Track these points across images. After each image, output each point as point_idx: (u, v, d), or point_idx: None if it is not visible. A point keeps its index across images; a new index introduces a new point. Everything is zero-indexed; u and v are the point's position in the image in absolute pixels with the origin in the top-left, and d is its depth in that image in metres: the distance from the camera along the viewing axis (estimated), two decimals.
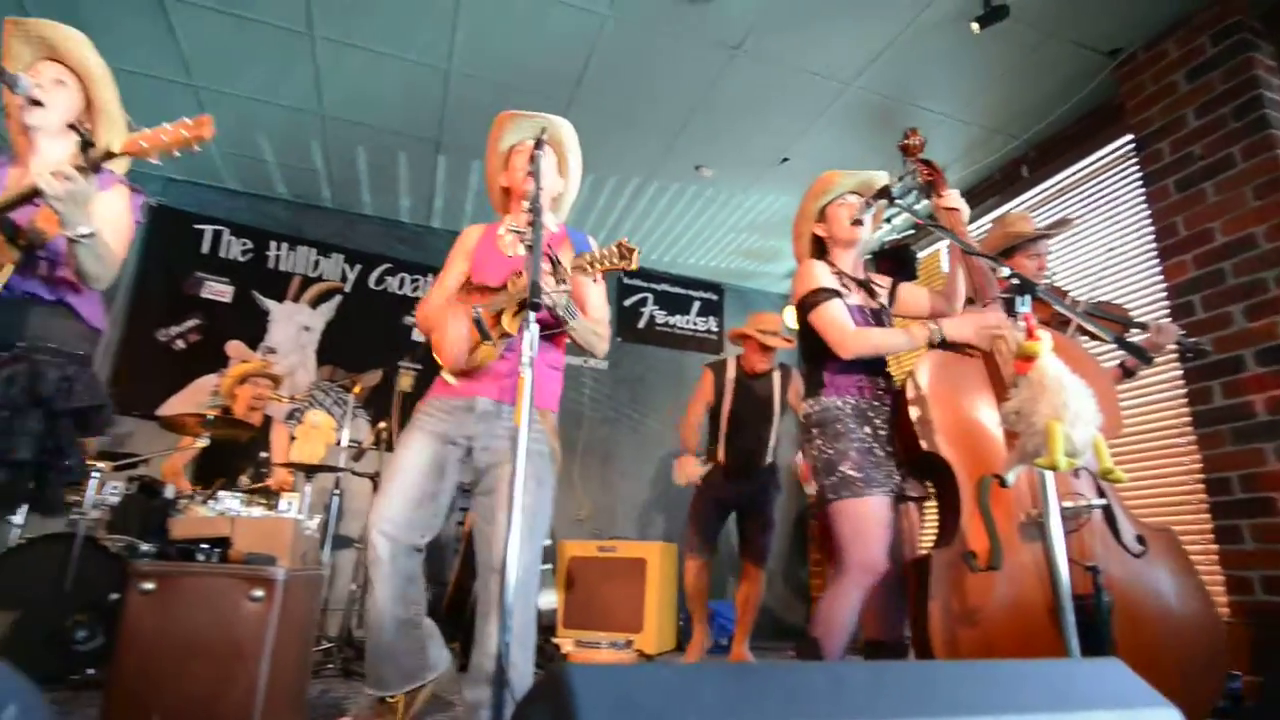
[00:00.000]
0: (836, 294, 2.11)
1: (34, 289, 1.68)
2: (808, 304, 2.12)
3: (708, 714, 0.54)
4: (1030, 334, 1.57)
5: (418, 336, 5.14)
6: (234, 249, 4.87)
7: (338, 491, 3.63)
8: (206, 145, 4.01)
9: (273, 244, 4.96)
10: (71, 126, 1.59)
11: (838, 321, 2.06)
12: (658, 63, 3.54)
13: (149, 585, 1.28)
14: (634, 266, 1.71)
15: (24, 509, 2.64)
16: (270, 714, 1.30)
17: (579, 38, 3.40)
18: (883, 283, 2.30)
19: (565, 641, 3.92)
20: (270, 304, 4.86)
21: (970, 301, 2.16)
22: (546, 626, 4.03)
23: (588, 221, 5.16)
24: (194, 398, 4.46)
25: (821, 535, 5.31)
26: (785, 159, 4.29)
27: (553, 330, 1.95)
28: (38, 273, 1.68)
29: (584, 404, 5.41)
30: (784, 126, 4.03)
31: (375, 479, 3.65)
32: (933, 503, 2.10)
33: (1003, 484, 1.61)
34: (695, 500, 3.80)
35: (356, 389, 3.98)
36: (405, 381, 5.00)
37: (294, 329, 4.86)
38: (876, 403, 2.11)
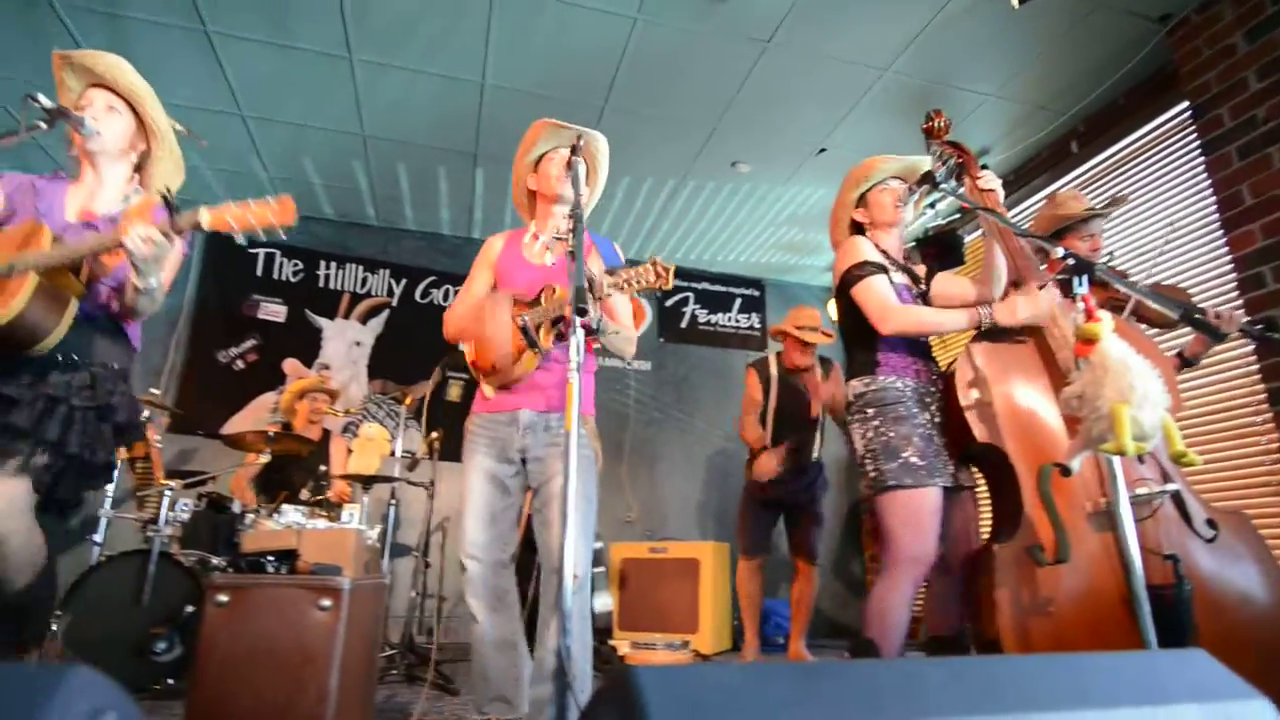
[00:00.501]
0: (882, 269, 2.04)
1: (88, 310, 1.77)
2: (851, 278, 2.05)
3: (778, 713, 0.53)
4: (1090, 315, 1.51)
5: (462, 347, 5.23)
6: (286, 270, 5.03)
7: (394, 501, 3.71)
8: (255, 169, 4.14)
9: (322, 263, 5.11)
10: (163, 197, 1.66)
11: (880, 295, 1.99)
12: (689, 61, 3.53)
13: (224, 598, 1.33)
14: (669, 286, 1.74)
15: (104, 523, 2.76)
16: (342, 718, 1.34)
17: (609, 42, 3.42)
18: (919, 273, 2.23)
19: (621, 643, 3.93)
20: (322, 321, 5.00)
21: (1015, 286, 2.08)
22: (602, 629, 4.05)
23: (625, 224, 5.18)
24: (255, 415, 4.63)
25: (875, 528, 5.22)
26: (823, 150, 4.24)
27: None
28: (95, 299, 1.78)
29: (629, 406, 5.43)
30: (820, 117, 3.98)
31: (430, 488, 3.73)
32: (982, 492, 2.05)
33: (1065, 472, 1.55)
34: (744, 502, 3.78)
35: (407, 400, 4.07)
36: (454, 391, 5.09)
37: (345, 345, 5.00)
38: (932, 388, 2.04)
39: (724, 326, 5.88)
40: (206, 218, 1.63)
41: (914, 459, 1.90)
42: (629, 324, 2.10)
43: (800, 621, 3.66)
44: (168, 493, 3.06)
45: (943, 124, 2.24)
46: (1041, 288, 1.95)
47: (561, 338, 1.91)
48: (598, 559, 4.03)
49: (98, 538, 3.28)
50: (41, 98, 1.72)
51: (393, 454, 3.75)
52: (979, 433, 1.84)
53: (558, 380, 1.92)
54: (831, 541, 5.38)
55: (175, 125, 1.99)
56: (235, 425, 4.48)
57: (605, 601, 4.15)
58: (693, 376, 5.68)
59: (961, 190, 2.25)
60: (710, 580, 4.15)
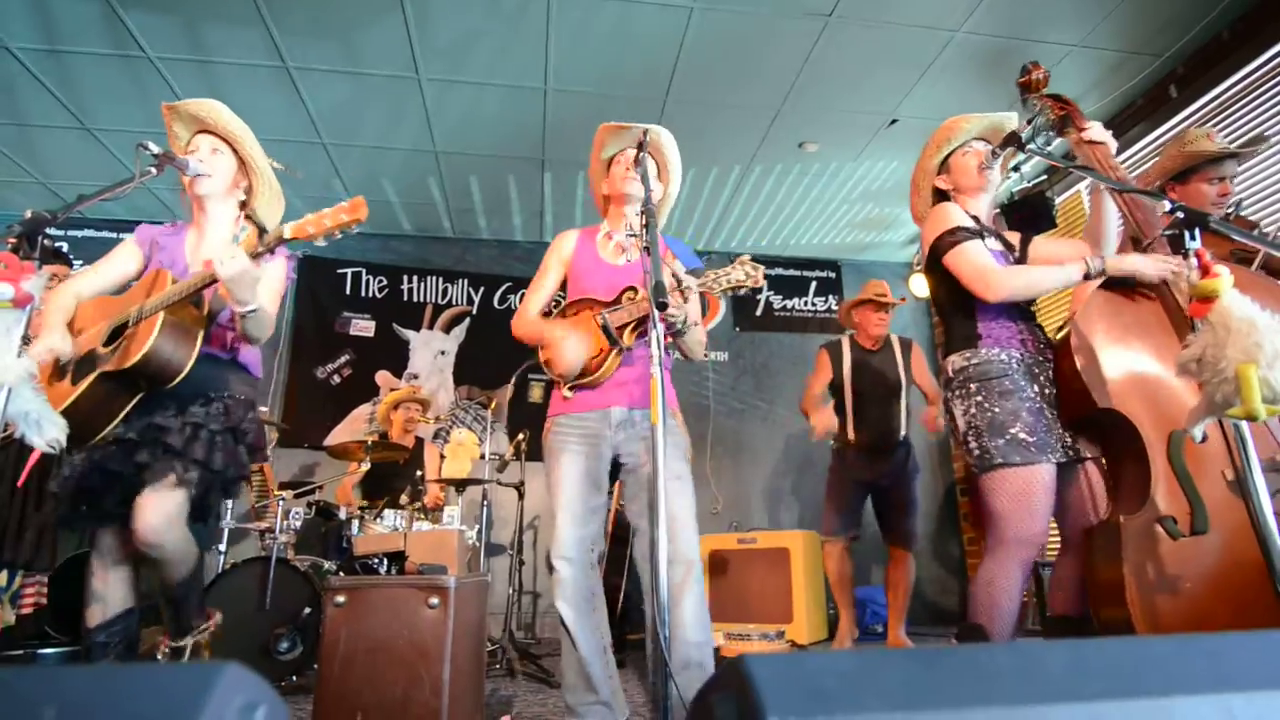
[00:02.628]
0: (977, 234, 1.92)
1: (214, 351, 1.95)
2: (943, 246, 1.92)
3: (895, 700, 0.52)
4: (1206, 271, 1.39)
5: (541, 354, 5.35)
6: (372, 287, 5.28)
7: (486, 502, 3.84)
8: (339, 193, 4.33)
9: (404, 277, 5.33)
10: (247, 217, 1.80)
11: (979, 260, 1.86)
12: (749, 45, 3.48)
13: (341, 599, 1.42)
14: (760, 284, 1.74)
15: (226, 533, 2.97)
16: (455, 711, 1.40)
17: (667, 35, 3.40)
18: (1012, 240, 2.08)
19: (716, 635, 3.93)
20: (409, 333, 5.22)
21: (1135, 242, 1.90)
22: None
23: (692, 217, 5.16)
24: (353, 427, 4.88)
25: (975, 510, 5.02)
26: (894, 121, 4.09)
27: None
28: (220, 339, 1.96)
29: (709, 397, 5.41)
30: (889, 88, 3.84)
31: (520, 489, 3.83)
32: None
33: (1192, 439, 1.44)
34: (830, 482, 3.70)
35: (492, 405, 4.19)
36: (536, 392, 5.22)
37: (431, 354, 5.20)
38: (1040, 358, 1.91)
39: (800, 311, 5.77)
40: (289, 231, 1.73)
41: (1023, 435, 1.79)
42: (700, 324, 2.09)
43: (898, 608, 3.55)
44: (281, 503, 3.27)
45: (1041, 76, 2.09)
46: (1148, 245, 1.82)
47: (644, 336, 1.92)
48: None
49: (221, 547, 3.54)
50: (151, 145, 1.86)
51: (482, 457, 3.87)
52: (1099, 397, 1.70)
53: (640, 375, 1.93)
54: (928, 524, 5.20)
55: (273, 163, 2.12)
56: (336, 437, 4.74)
57: None
58: (771, 364, 5.60)
59: (1050, 149, 2.12)
60: (802, 569, 4.09)
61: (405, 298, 5.30)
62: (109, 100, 3.79)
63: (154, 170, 1.88)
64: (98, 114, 3.91)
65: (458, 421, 5.02)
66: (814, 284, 5.84)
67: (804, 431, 5.38)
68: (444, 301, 5.35)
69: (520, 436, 3.91)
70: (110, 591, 1.84)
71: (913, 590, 3.56)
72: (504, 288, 5.45)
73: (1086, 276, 1.79)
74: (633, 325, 1.89)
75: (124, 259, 2.01)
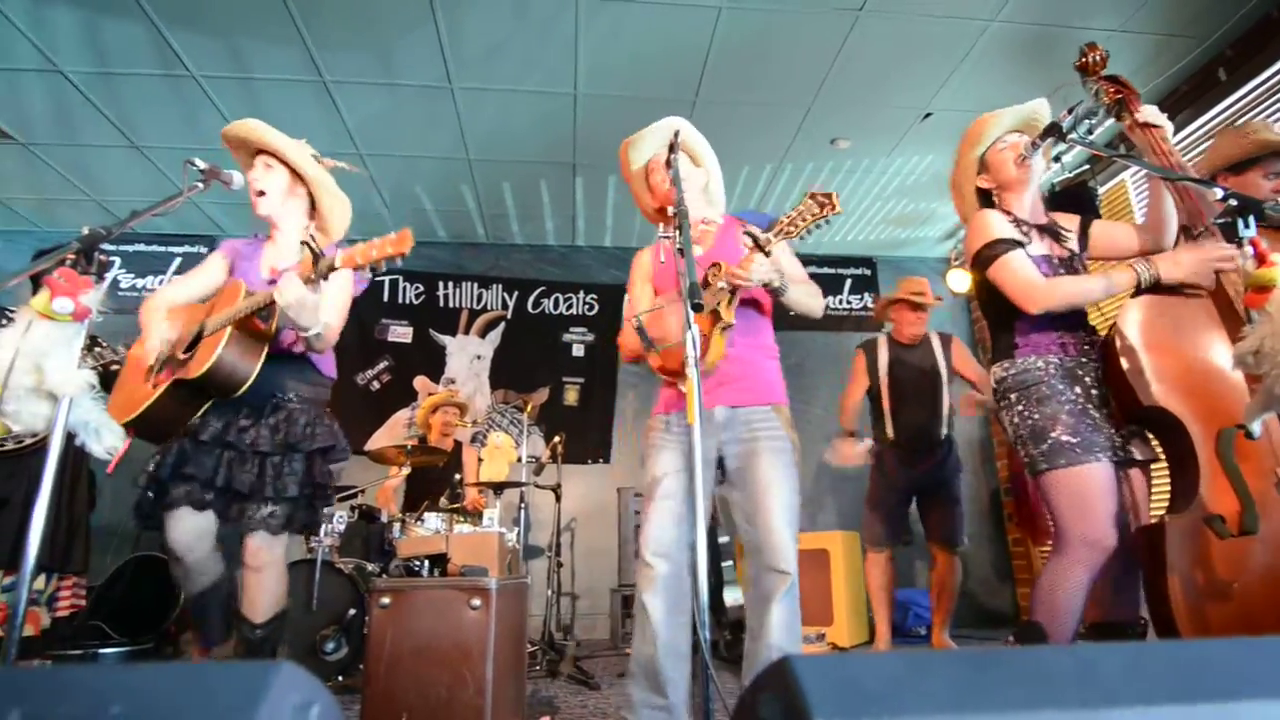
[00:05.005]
0: (1018, 244, 1.89)
1: (283, 345, 2.01)
2: (985, 258, 1.91)
3: (945, 703, 0.51)
4: (1263, 260, 1.34)
5: (577, 352, 5.38)
6: (409, 294, 5.37)
7: (523, 505, 3.87)
8: (374, 203, 4.43)
9: (440, 284, 5.41)
10: (304, 243, 1.87)
11: (1021, 274, 1.84)
12: (778, 42, 3.46)
13: (386, 600, 1.45)
14: (838, 210, 1.67)
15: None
16: (499, 711, 1.42)
17: (695, 35, 3.40)
18: (1069, 224, 2.03)
19: None
20: (445, 339, 5.30)
21: (1185, 230, 1.85)
22: (735, 622, 4.04)
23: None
24: (392, 432, 4.97)
25: (1019, 511, 4.89)
26: (928, 114, 4.02)
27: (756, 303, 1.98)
28: (283, 341, 2.02)
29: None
30: (922, 81, 3.78)
31: (557, 491, 3.85)
32: (1161, 465, 1.86)
33: (1248, 435, 1.39)
34: (872, 488, 3.62)
35: (528, 408, 4.23)
36: (571, 395, 5.25)
37: (467, 359, 5.27)
38: (1084, 359, 1.87)
39: (835, 309, 5.70)
40: (340, 259, 1.79)
41: (1065, 437, 1.76)
42: (805, 276, 2.03)
43: (943, 611, 3.49)
44: (325, 509, 3.34)
45: (1098, 58, 2.03)
46: (1199, 234, 1.75)
47: (747, 322, 1.90)
48: (727, 553, 4.01)
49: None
50: (197, 161, 1.93)
51: (519, 460, 3.91)
52: (1144, 396, 1.67)
53: (746, 372, 1.91)
54: (972, 525, 5.08)
55: (337, 164, 2.18)
56: (376, 442, 4.83)
57: (736, 595, 4.13)
58: (806, 363, 5.55)
59: (1093, 138, 2.06)
60: (842, 570, 4.04)
61: (441, 304, 5.38)
62: (156, 119, 3.92)
63: (201, 185, 1.94)
64: (146, 133, 4.05)
65: (494, 425, 5.08)
66: (849, 281, 5.77)
67: (841, 433, 5.33)
68: (479, 307, 5.42)
69: (557, 439, 3.94)
70: (197, 568, 1.91)
71: (958, 592, 3.48)
72: (537, 292, 5.50)
73: (1137, 286, 1.75)
74: (727, 300, 1.83)
75: (212, 270, 2.11)
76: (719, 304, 1.83)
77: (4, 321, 2.76)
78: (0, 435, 2.40)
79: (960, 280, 5.42)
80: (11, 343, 1.95)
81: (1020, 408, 1.87)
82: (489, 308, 5.42)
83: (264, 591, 1.89)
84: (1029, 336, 1.90)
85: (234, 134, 2.12)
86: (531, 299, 5.48)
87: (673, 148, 1.91)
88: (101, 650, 3.58)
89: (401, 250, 1.77)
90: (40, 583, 2.63)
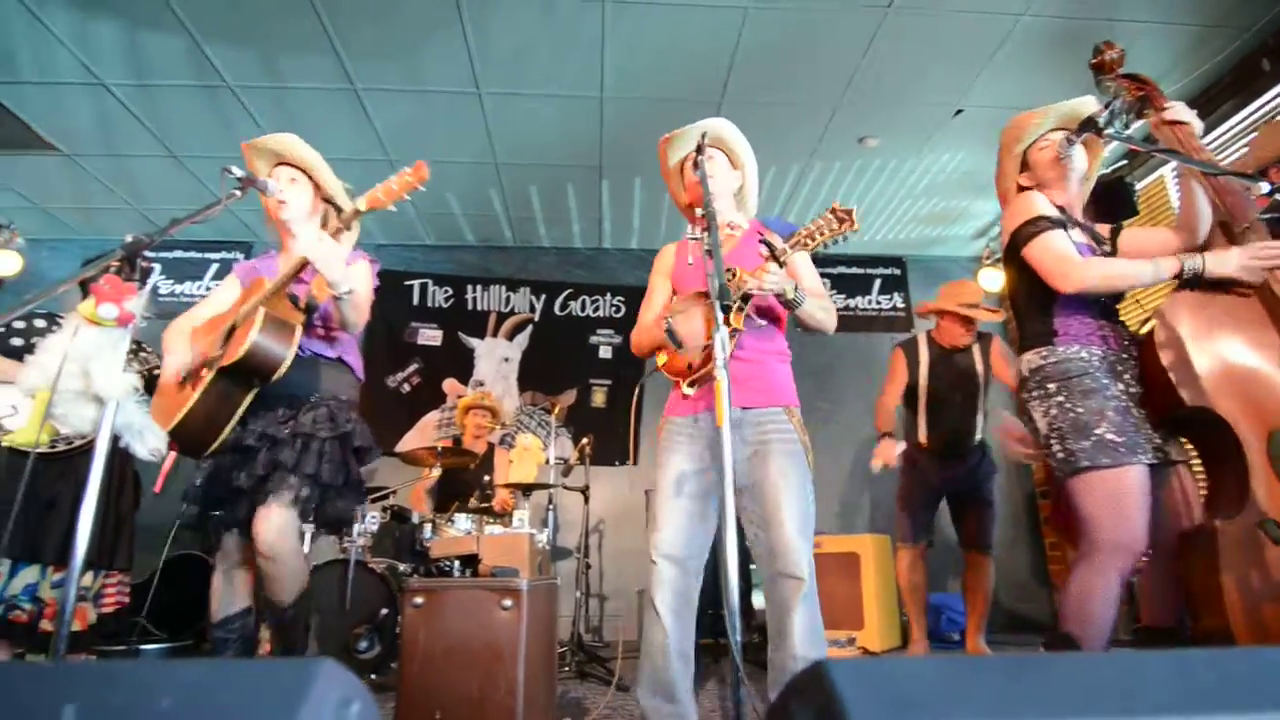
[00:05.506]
0: (1060, 224, 1.82)
1: (319, 349, 2.07)
2: (1023, 236, 1.84)
3: (986, 709, 0.51)
4: None
5: (605, 354, 5.39)
6: (438, 297, 5.43)
7: (551, 506, 3.89)
8: (406, 209, 4.46)
9: (469, 287, 5.47)
10: (326, 200, 1.91)
11: (1059, 250, 1.77)
12: (806, 41, 3.43)
13: (419, 600, 1.47)
14: (856, 227, 1.68)
15: (309, 536, 3.11)
16: (530, 710, 1.43)
17: (722, 35, 3.39)
18: (1102, 232, 1.97)
19: None
20: (473, 341, 5.35)
21: (1224, 226, 1.79)
22: (761, 626, 4.02)
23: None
24: (422, 433, 5.04)
25: (1056, 514, 4.79)
26: (959, 111, 3.96)
27: (772, 315, 1.98)
28: (316, 334, 2.07)
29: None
30: (952, 77, 3.72)
31: (585, 492, 3.87)
32: (1196, 466, 1.80)
33: None
34: (902, 486, 3.58)
35: (556, 410, 4.25)
36: (598, 397, 5.27)
37: (496, 362, 5.32)
38: (1125, 355, 1.81)
39: (864, 310, 5.64)
40: (362, 204, 1.85)
41: (1110, 435, 1.68)
42: (821, 289, 2.02)
43: (977, 616, 3.42)
44: (358, 507, 3.39)
45: (1114, 56, 1.98)
46: (1242, 231, 1.70)
47: (759, 314, 1.89)
48: (753, 555, 3.99)
49: (304, 549, 3.70)
50: (234, 169, 1.97)
51: (547, 461, 3.93)
52: (1190, 395, 1.61)
53: (754, 374, 1.89)
54: (1006, 529, 4.99)
55: (344, 185, 2.23)
56: (408, 443, 4.89)
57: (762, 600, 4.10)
58: (834, 365, 5.50)
59: (1129, 133, 2.01)
60: (873, 574, 3.99)
61: (470, 307, 5.44)
62: (194, 129, 4.02)
63: (238, 193, 1.98)
64: (184, 142, 4.16)
65: (522, 427, 5.11)
66: (878, 281, 5.71)
67: (871, 435, 5.25)
68: (507, 309, 5.46)
69: (584, 441, 3.95)
70: (231, 591, 1.98)
71: (992, 597, 3.42)
72: (564, 294, 5.53)
73: (1179, 277, 1.69)
74: (737, 306, 1.83)
75: (228, 290, 2.18)
76: (730, 310, 1.79)
77: (53, 327, 2.85)
78: (49, 437, 2.48)
79: (993, 279, 5.33)
80: (60, 348, 2.03)
81: (1060, 399, 1.77)
82: (517, 310, 5.47)
83: (285, 573, 1.90)
84: (1069, 323, 1.82)
85: (266, 146, 2.16)
86: (559, 301, 5.51)
87: (700, 149, 1.91)
88: (142, 647, 3.68)
89: (420, 177, 1.83)
90: (87, 579, 2.70)
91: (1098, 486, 1.68)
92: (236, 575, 2.00)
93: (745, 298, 1.81)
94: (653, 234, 5.44)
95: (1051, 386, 1.80)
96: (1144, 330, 1.81)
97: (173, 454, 2.07)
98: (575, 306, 5.52)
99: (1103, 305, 1.84)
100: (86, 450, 2.63)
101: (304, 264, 1.86)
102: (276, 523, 1.85)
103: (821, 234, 1.71)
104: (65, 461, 2.70)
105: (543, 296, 5.51)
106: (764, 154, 4.30)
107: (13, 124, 3.92)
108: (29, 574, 2.58)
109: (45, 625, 2.54)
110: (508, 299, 5.49)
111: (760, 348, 1.95)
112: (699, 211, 2.01)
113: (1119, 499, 1.66)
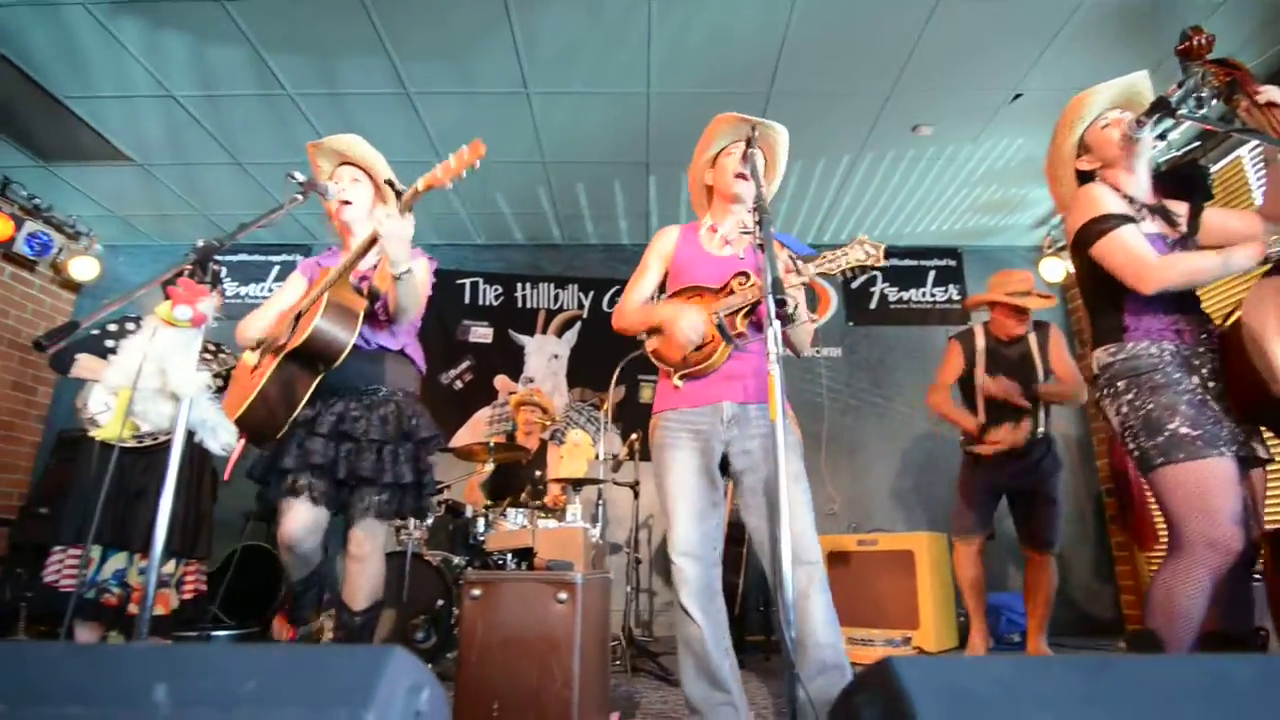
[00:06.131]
0: (1129, 219, 1.76)
1: (384, 342, 2.13)
2: (1090, 235, 1.78)
3: (1060, 710, 0.49)
4: None
5: (643, 339, 5.40)
6: (488, 295, 5.53)
7: (601, 501, 3.92)
8: (456, 208, 4.58)
9: (518, 285, 5.55)
10: (388, 182, 1.98)
11: (1132, 249, 1.70)
12: (856, 29, 3.36)
13: (477, 592, 1.51)
14: (882, 263, 1.71)
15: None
16: (585, 703, 1.44)
17: (770, 27, 3.35)
18: (1179, 210, 1.88)
19: None
20: (523, 339, 5.43)
21: None
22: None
23: (800, 209, 5.05)
24: (474, 429, 5.14)
25: (1124, 514, 4.60)
26: (1018, 95, 3.82)
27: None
28: (380, 326, 2.13)
29: (821, 394, 5.26)
30: (1011, 61, 3.59)
31: (635, 488, 3.88)
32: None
33: None
34: (962, 480, 3.49)
35: (605, 405, 4.28)
36: (646, 393, 5.28)
37: (545, 358, 5.38)
38: (1202, 348, 1.74)
39: (919, 303, 5.51)
40: (421, 184, 1.90)
41: (1184, 429, 1.63)
42: (810, 318, 2.01)
43: (1039, 616, 3.31)
44: (431, 494, 3.48)
45: (1203, 41, 1.89)
46: None
47: (756, 327, 1.89)
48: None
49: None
50: (296, 174, 2.05)
51: (597, 457, 3.96)
52: (1278, 388, 1.52)
53: (753, 369, 1.89)
54: (1070, 527, 4.82)
55: (394, 184, 2.29)
56: (461, 439, 4.99)
57: None
58: (888, 359, 5.39)
59: (1205, 112, 1.91)
60: (928, 572, 3.90)
61: (520, 304, 5.52)
62: (256, 136, 4.18)
63: (300, 197, 2.06)
64: (247, 149, 4.32)
65: (572, 423, 5.17)
66: (933, 273, 5.56)
67: (926, 430, 5.15)
68: (556, 307, 5.52)
69: (634, 436, 3.97)
70: (301, 560, 2.04)
71: (1054, 598, 3.30)
72: (612, 291, 5.55)
73: (1266, 263, 1.60)
74: (745, 311, 1.87)
75: (294, 286, 2.26)
76: (735, 313, 1.87)
77: (130, 328, 3.01)
78: (130, 432, 2.62)
79: (1055, 269, 5.14)
80: (140, 349, 2.14)
81: (1130, 396, 1.73)
82: (565, 307, 5.52)
83: (366, 579, 2.00)
84: (1141, 320, 1.77)
85: (331, 146, 2.24)
86: (606, 298, 5.54)
87: (750, 142, 1.90)
88: (214, 633, 3.86)
89: (478, 155, 1.86)
90: (169, 567, 2.86)
91: (1177, 482, 1.63)
92: (304, 546, 2.01)
93: (756, 303, 1.84)
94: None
95: (1121, 384, 1.76)
96: (1229, 323, 1.72)
97: (241, 442, 2.15)
98: None
99: (1178, 298, 1.76)
100: (170, 445, 2.77)
101: (373, 240, 1.91)
102: (364, 529, 1.96)
103: (846, 260, 1.74)
104: (151, 455, 2.85)
105: (590, 293, 5.55)
106: (813, 145, 4.28)
107: (91, 137, 4.14)
108: (118, 560, 2.75)
109: (133, 609, 2.70)
110: (556, 296, 5.54)
111: (757, 346, 1.94)
112: (736, 206, 2.00)
113: (1200, 494, 1.60)
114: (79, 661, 0.61)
